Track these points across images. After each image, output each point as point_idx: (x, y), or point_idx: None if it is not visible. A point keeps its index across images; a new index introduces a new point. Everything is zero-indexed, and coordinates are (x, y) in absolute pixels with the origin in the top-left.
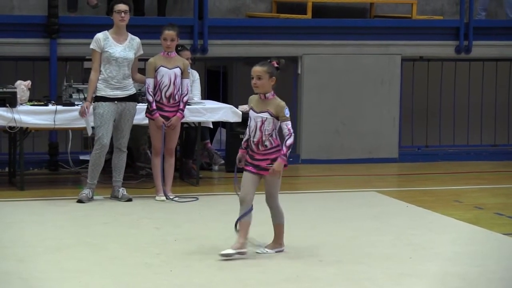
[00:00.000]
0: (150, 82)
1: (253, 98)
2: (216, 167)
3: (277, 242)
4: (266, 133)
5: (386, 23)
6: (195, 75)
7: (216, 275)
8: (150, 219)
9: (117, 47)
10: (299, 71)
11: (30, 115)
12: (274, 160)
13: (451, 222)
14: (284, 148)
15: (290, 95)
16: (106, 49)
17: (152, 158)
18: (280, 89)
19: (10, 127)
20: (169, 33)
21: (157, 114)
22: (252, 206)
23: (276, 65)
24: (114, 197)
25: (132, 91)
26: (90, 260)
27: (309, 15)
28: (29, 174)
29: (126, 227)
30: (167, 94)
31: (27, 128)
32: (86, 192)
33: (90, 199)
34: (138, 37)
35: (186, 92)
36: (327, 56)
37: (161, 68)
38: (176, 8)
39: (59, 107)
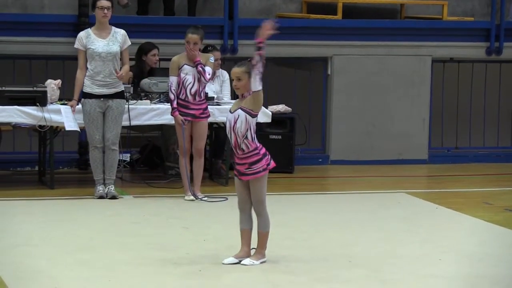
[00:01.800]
0: (173, 80)
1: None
2: None
3: (260, 252)
4: (240, 134)
5: (416, 24)
6: (225, 75)
7: (245, 275)
8: (179, 219)
9: (99, 42)
10: (329, 72)
11: (60, 114)
12: (252, 164)
13: (480, 224)
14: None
15: (320, 96)
16: (89, 46)
17: (179, 157)
18: (310, 90)
19: (40, 126)
20: (192, 36)
21: (177, 113)
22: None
23: None
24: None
25: (120, 88)
26: (119, 260)
27: (339, 15)
28: (59, 173)
29: (155, 227)
30: (192, 91)
31: (57, 127)
32: (100, 188)
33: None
34: (168, 37)
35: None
36: (357, 57)
37: (185, 66)
38: (206, 8)
39: None
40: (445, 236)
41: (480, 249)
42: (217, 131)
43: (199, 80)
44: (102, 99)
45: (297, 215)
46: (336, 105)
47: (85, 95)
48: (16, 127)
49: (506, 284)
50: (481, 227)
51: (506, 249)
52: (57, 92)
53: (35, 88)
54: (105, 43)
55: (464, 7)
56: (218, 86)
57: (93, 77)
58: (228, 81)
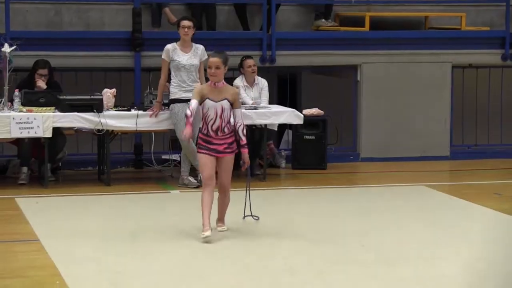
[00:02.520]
0: (193, 102)
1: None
2: (283, 164)
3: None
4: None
5: (437, 34)
6: (263, 83)
7: (268, 261)
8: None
9: (184, 56)
10: (358, 78)
11: (115, 119)
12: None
13: (487, 212)
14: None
15: (350, 100)
16: (174, 58)
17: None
18: (342, 94)
19: (97, 130)
20: (213, 60)
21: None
22: None
23: None
24: (183, 184)
25: None
26: (158, 246)
27: (367, 27)
28: (116, 172)
29: (194, 218)
30: (214, 127)
31: (112, 130)
32: (185, 177)
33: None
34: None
35: (241, 122)
36: (384, 65)
37: (207, 100)
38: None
39: (140, 112)
40: (453, 222)
41: (482, 234)
42: (253, 131)
43: (221, 116)
44: (188, 102)
45: (324, 206)
46: (365, 108)
47: (174, 101)
48: (78, 131)
49: (501, 265)
50: (487, 215)
51: (507, 234)
52: (113, 100)
53: (92, 97)
54: (188, 57)
55: (483, 18)
56: (257, 92)
57: (180, 85)
58: (266, 89)
